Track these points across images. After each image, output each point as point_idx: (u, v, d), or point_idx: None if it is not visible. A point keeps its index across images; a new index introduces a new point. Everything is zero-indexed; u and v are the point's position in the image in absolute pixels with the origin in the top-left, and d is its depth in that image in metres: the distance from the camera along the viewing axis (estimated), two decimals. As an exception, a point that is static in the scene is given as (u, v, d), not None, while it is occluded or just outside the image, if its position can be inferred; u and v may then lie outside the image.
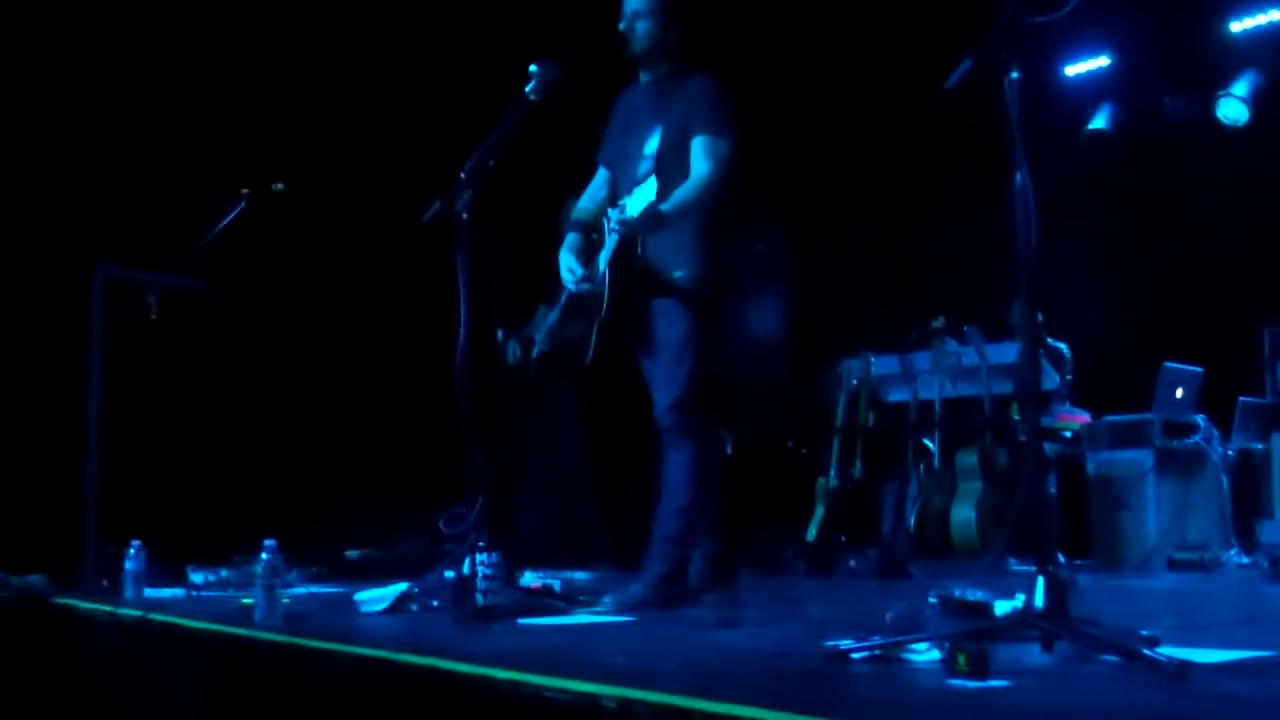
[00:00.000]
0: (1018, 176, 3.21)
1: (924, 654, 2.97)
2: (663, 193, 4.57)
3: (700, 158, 4.78)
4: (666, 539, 4.75)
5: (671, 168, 4.79)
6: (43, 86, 7.60)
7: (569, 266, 5.00)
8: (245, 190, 6.31)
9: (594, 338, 4.84)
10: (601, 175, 5.24)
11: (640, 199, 4.48)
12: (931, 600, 4.05)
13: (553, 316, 5.70)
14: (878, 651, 2.98)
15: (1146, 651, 2.76)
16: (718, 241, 4.86)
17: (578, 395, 7.82)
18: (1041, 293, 7.74)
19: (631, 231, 4.63)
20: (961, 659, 2.67)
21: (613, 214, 4.63)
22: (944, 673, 2.71)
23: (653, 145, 4.85)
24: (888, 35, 8.49)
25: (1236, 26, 8.34)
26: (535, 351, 7.36)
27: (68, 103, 7.66)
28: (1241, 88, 8.15)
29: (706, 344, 4.80)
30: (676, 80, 4.95)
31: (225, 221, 6.35)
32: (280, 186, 6.22)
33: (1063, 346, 7.79)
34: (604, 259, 4.81)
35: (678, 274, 4.79)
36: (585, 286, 4.90)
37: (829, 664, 2.91)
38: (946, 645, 2.78)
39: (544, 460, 8.01)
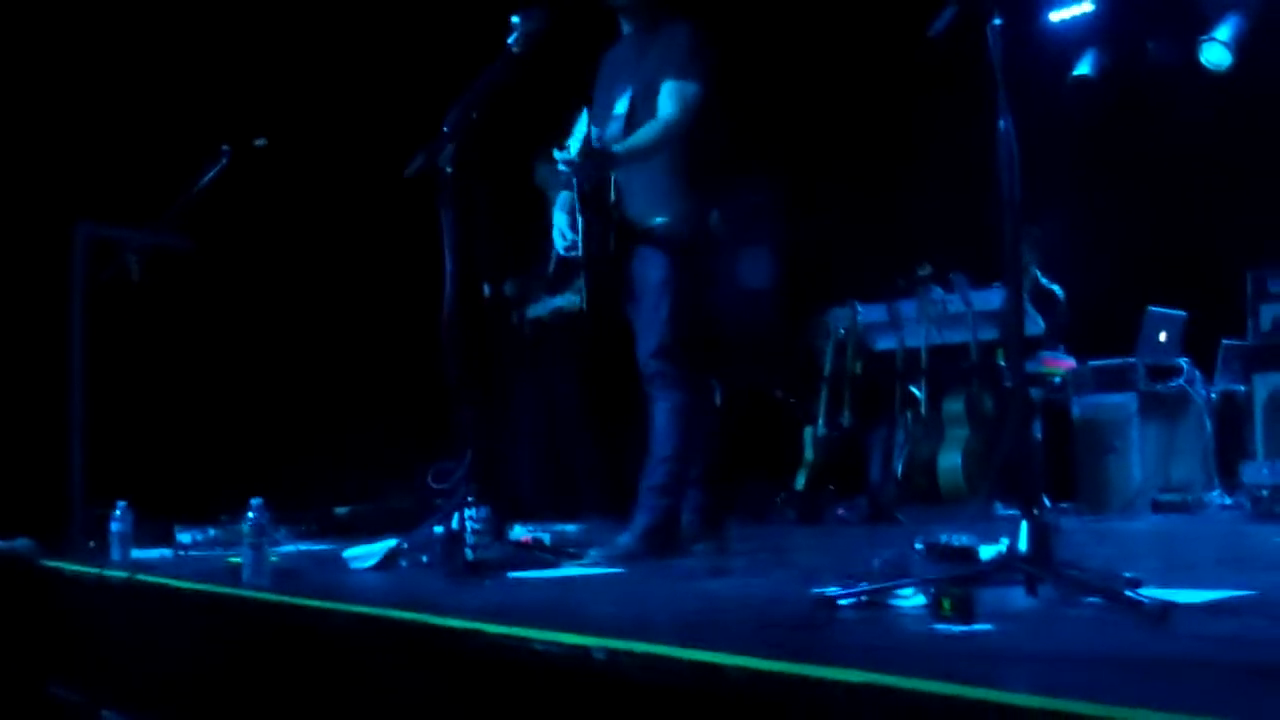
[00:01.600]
0: (1001, 123, 3.21)
1: (910, 599, 3.00)
2: None
3: (666, 100, 4.77)
4: (653, 489, 4.75)
5: (644, 119, 4.79)
6: (21, 43, 7.54)
7: (560, 229, 4.98)
8: (226, 146, 6.26)
9: (584, 284, 4.86)
10: (593, 132, 5.20)
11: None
12: (917, 546, 4.08)
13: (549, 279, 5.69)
14: (865, 598, 3.00)
15: (1129, 593, 2.78)
16: (696, 187, 4.84)
17: (570, 348, 7.82)
18: (1039, 235, 7.74)
19: (579, 172, 4.60)
20: (947, 604, 2.69)
21: (558, 155, 4.59)
22: (930, 617, 2.73)
23: (622, 105, 4.87)
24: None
25: (1219, -31, 8.32)
26: (531, 314, 7.39)
27: (47, 60, 7.60)
28: (1224, 32, 8.13)
29: (688, 290, 4.78)
30: (654, 30, 4.93)
31: (207, 178, 6.30)
32: (262, 142, 6.18)
33: (1056, 289, 7.80)
34: (572, 200, 4.82)
35: (657, 220, 4.77)
36: (574, 253, 4.88)
37: (817, 611, 2.93)
38: (932, 590, 2.80)
39: (536, 413, 8.02)
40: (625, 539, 4.70)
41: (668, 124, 4.73)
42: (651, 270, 4.77)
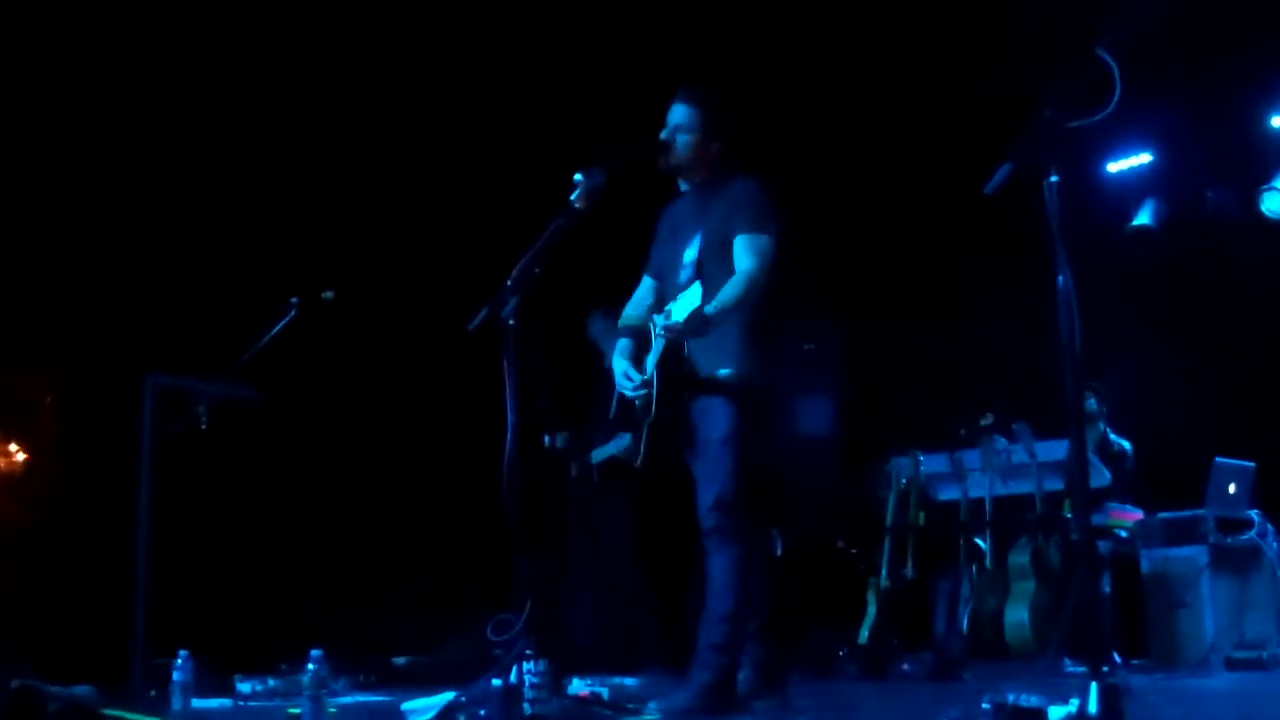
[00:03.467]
0: (1060, 279, 3.22)
1: (977, 763, 2.93)
2: (706, 295, 4.51)
3: (743, 255, 4.75)
4: (712, 647, 4.65)
5: (714, 270, 4.77)
6: (94, 194, 7.74)
7: (624, 372, 4.95)
8: (295, 299, 6.36)
9: (645, 441, 4.85)
10: (647, 284, 5.22)
11: (685, 304, 4.44)
12: (985, 705, 3.99)
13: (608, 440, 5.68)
14: (930, 761, 2.94)
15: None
16: (762, 338, 4.81)
17: (628, 500, 7.80)
18: (1102, 390, 7.70)
19: (678, 336, 4.62)
20: (1015, 768, 2.63)
21: (658, 319, 4.60)
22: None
23: (692, 253, 4.86)
24: (933, 134, 8.55)
25: (1278, 121, 8.36)
26: (595, 459, 7.40)
27: (119, 211, 7.79)
28: (1285, 181, 8.15)
29: (753, 442, 4.74)
30: (717, 186, 4.95)
31: (275, 330, 6.40)
32: (330, 295, 6.28)
33: (1125, 444, 7.73)
34: (651, 363, 4.81)
35: (722, 372, 4.76)
36: (641, 392, 4.87)
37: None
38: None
39: (595, 565, 7.97)
40: (684, 696, 4.63)
41: (750, 279, 4.70)
42: (715, 423, 4.74)
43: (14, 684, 5.47)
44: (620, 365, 4.99)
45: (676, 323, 4.47)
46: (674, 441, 4.84)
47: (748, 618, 4.73)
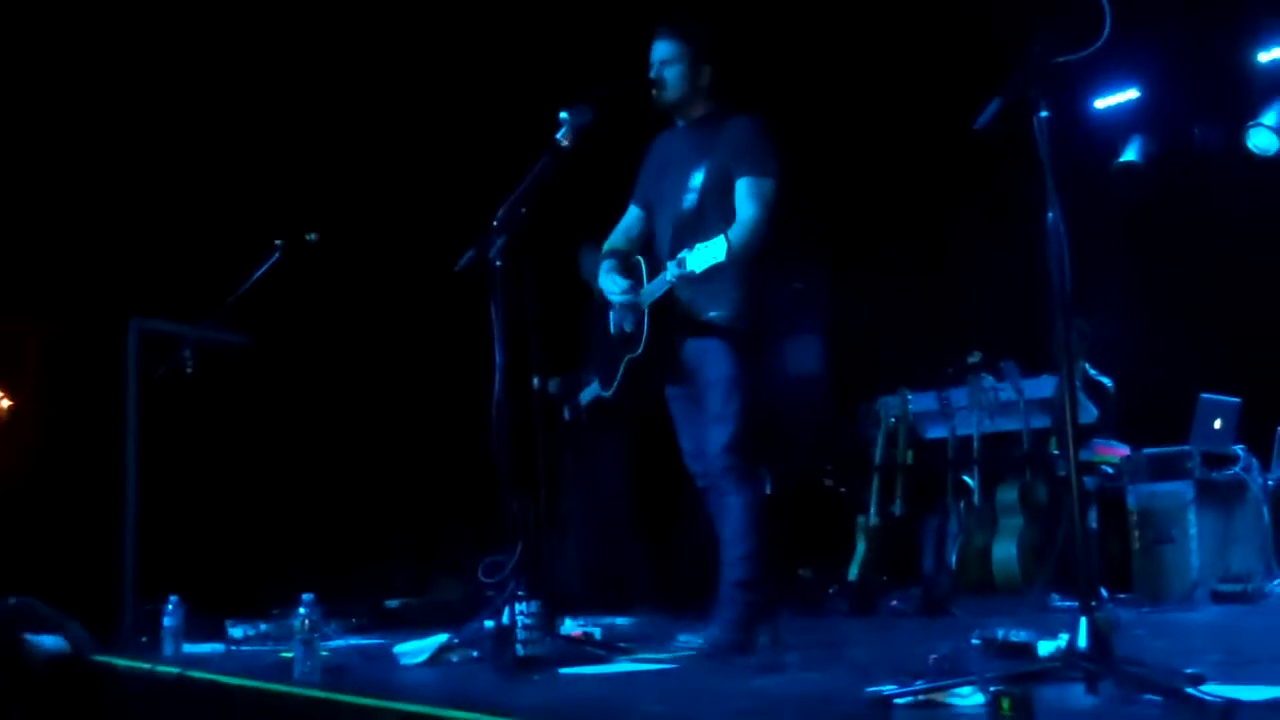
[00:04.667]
0: (1050, 215, 3.21)
1: (968, 698, 2.95)
2: (704, 234, 4.45)
3: (745, 200, 4.70)
4: (738, 584, 4.65)
5: (714, 206, 4.75)
6: (79, 142, 7.68)
7: (613, 280, 4.90)
8: (279, 241, 6.32)
9: (620, 373, 4.85)
10: (634, 214, 5.17)
11: (705, 255, 4.28)
12: (974, 641, 4.02)
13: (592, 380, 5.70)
14: (921, 697, 2.96)
15: (1191, 691, 2.73)
16: (756, 279, 4.78)
17: (619, 442, 7.81)
18: (1088, 326, 7.71)
19: (691, 283, 4.53)
20: (1006, 704, 2.64)
21: (671, 266, 4.44)
22: (989, 718, 2.69)
23: (698, 179, 4.79)
24: (922, 73, 8.51)
25: (1265, 57, 8.33)
26: (583, 400, 7.39)
27: (103, 157, 7.73)
28: (1271, 117, 8.13)
29: (752, 383, 4.74)
30: (717, 122, 4.89)
31: (260, 273, 6.37)
32: (314, 237, 6.24)
33: (1106, 380, 7.74)
34: (646, 298, 4.78)
35: (713, 314, 4.73)
36: (629, 297, 4.80)
37: (872, 711, 2.88)
38: (990, 689, 2.76)
39: (585, 506, 7.99)
40: (715, 632, 4.63)
41: (756, 225, 4.65)
42: (715, 364, 4.71)
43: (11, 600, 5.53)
44: (607, 279, 4.94)
45: (693, 271, 4.33)
46: (651, 379, 4.84)
47: (768, 554, 4.73)
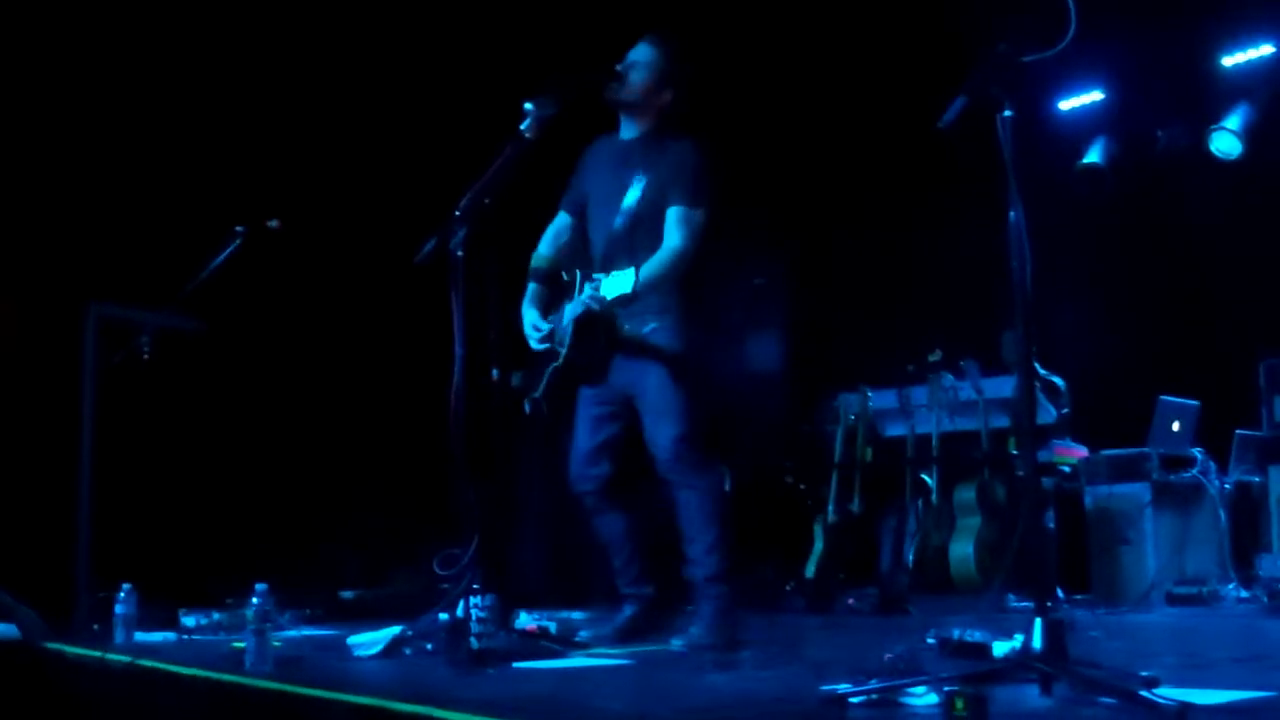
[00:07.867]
0: (1012, 215, 3.21)
1: (922, 698, 2.94)
2: (632, 259, 4.60)
3: (674, 230, 4.76)
4: (710, 579, 4.72)
5: (644, 231, 4.80)
6: (36, 124, 7.59)
7: (532, 323, 5.00)
8: (240, 228, 6.27)
9: (545, 379, 4.92)
10: (563, 220, 5.20)
11: (617, 284, 4.37)
12: (930, 641, 4.02)
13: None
14: (875, 696, 2.95)
15: (1145, 694, 2.73)
16: (686, 294, 4.84)
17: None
18: (1036, 326, 7.75)
19: (604, 309, 4.58)
20: (960, 704, 2.63)
21: (588, 289, 4.57)
22: (943, 717, 2.68)
23: (632, 198, 4.84)
24: (885, 72, 8.51)
25: (1229, 61, 8.39)
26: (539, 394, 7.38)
27: (61, 140, 7.64)
28: (1234, 121, 8.18)
29: (691, 387, 4.77)
30: (659, 140, 4.94)
31: (219, 259, 6.30)
32: (275, 224, 6.19)
33: (1058, 380, 7.77)
34: (567, 316, 4.84)
35: (646, 329, 4.78)
36: (546, 346, 4.93)
37: (827, 710, 2.87)
38: (945, 689, 2.75)
39: (542, 499, 7.96)
40: (698, 632, 4.69)
41: (681, 254, 4.73)
42: (649, 374, 4.77)
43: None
44: (529, 316, 5.03)
45: (605, 298, 4.42)
46: (577, 383, 4.94)
47: (731, 541, 4.75)
